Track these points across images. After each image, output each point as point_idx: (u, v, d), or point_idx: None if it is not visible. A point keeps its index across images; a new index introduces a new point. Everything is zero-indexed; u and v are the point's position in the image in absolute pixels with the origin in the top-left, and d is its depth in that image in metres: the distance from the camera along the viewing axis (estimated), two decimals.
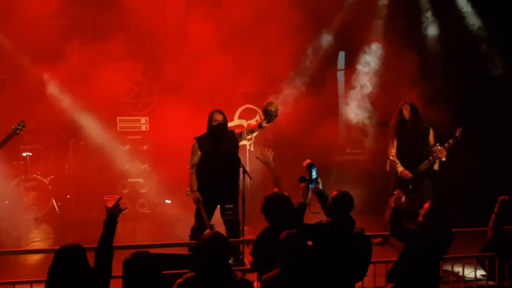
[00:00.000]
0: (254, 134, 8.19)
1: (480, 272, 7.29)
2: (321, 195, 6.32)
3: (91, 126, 11.45)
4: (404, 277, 6.03)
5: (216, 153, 7.81)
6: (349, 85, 12.78)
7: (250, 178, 7.61)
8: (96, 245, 4.93)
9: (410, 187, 8.95)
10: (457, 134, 8.88)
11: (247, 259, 6.47)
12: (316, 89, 11.91)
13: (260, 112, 11.28)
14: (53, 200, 11.14)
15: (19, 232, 10.15)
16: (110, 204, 5.01)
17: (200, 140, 7.94)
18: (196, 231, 7.78)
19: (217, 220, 7.90)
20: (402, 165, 9.16)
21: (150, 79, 11.99)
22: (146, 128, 11.86)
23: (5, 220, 9.96)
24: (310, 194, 6.12)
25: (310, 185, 6.17)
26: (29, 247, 9.52)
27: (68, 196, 11.44)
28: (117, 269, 4.95)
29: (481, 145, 10.81)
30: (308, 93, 11.85)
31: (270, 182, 6.69)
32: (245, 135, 7.97)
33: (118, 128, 11.80)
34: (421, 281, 6.01)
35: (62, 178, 11.40)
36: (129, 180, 11.65)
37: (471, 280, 7.27)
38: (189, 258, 6.28)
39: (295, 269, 5.01)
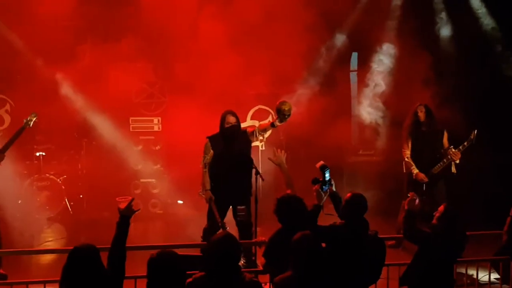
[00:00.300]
0: (267, 134, 8.12)
1: (494, 276, 7.25)
2: (334, 197, 6.28)
3: (104, 126, 11.50)
4: (417, 280, 6.00)
5: (229, 153, 7.80)
6: (362, 86, 12.75)
7: (263, 179, 7.58)
8: (109, 245, 4.93)
9: (424, 189, 8.90)
10: (472, 137, 8.81)
11: (260, 261, 6.47)
12: (328, 89, 11.90)
13: (273, 113, 11.28)
14: (66, 199, 11.18)
15: (32, 231, 10.19)
16: (123, 205, 5.01)
17: (212, 139, 7.92)
18: (208, 232, 7.75)
19: (229, 221, 7.89)
20: (417, 166, 9.10)
21: (162, 79, 12.01)
22: (159, 128, 11.90)
23: (18, 219, 10.00)
24: (325, 196, 6.09)
25: (324, 187, 6.14)
26: (42, 247, 9.55)
27: (81, 196, 11.48)
28: (130, 269, 4.97)
29: (493, 146, 10.76)
30: (321, 93, 11.85)
31: (283, 183, 6.67)
32: (257, 134, 7.91)
33: (130, 128, 11.86)
34: (435, 284, 5.97)
35: (75, 178, 11.44)
36: (142, 180, 11.69)
37: (485, 284, 7.22)
38: (201, 259, 6.28)
39: (308, 271, 4.99)
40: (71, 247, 4.68)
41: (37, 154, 11.24)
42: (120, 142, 11.54)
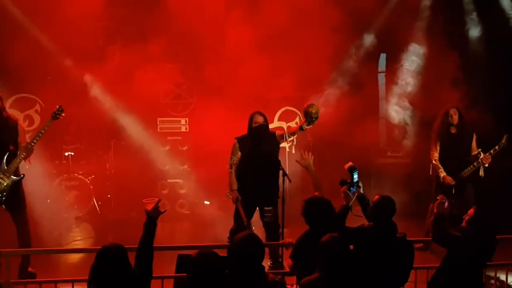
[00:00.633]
0: (295, 136, 8.12)
1: None
2: (362, 200, 6.26)
3: (132, 127, 11.58)
4: (446, 284, 5.93)
5: (257, 154, 7.79)
6: (390, 87, 12.68)
7: (290, 181, 7.56)
8: (137, 245, 4.95)
9: (453, 192, 8.81)
10: (503, 141, 8.68)
11: (286, 262, 6.45)
12: (356, 90, 11.85)
13: (300, 114, 11.28)
14: (94, 199, 11.26)
15: (61, 230, 10.29)
16: (150, 206, 5.03)
17: (240, 140, 7.93)
18: (235, 232, 7.69)
19: (256, 222, 7.88)
20: (444, 169, 9.01)
21: (190, 80, 12.07)
22: (186, 129, 11.95)
23: (47, 218, 10.08)
24: (353, 197, 6.07)
25: (351, 188, 6.12)
26: (71, 246, 9.63)
27: (109, 196, 11.55)
28: (156, 269, 4.99)
29: None
30: (349, 94, 11.81)
31: (310, 185, 6.65)
32: (287, 137, 7.93)
33: (158, 129, 11.93)
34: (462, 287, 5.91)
35: (103, 177, 11.52)
36: (169, 180, 11.74)
37: None
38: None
39: (335, 273, 4.96)
40: (99, 247, 4.71)
41: (66, 154, 11.33)
42: (148, 142, 11.62)
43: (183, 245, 7.30)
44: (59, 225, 10.39)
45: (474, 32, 12.21)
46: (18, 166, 7.61)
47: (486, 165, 8.83)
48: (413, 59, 12.41)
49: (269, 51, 10.76)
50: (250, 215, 7.86)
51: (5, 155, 7.54)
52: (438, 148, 9.12)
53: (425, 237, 8.53)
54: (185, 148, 11.88)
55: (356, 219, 6.15)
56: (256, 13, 10.80)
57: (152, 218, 5.01)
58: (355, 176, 6.13)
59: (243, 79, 10.67)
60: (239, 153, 7.91)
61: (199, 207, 11.57)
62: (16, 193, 7.64)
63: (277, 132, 8.00)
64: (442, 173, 9.00)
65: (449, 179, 8.93)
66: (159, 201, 5.08)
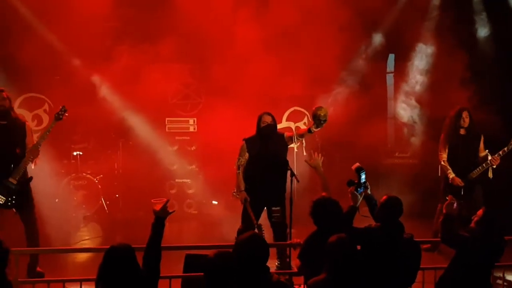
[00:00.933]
0: (303, 138, 8.13)
1: None
2: (369, 200, 6.25)
3: (140, 127, 11.61)
4: (454, 284, 5.93)
5: (265, 155, 7.80)
6: (398, 88, 12.66)
7: (298, 181, 7.56)
8: (145, 245, 4.97)
9: (462, 193, 8.78)
10: None
11: (294, 263, 6.46)
12: (364, 91, 11.84)
13: (308, 114, 11.28)
14: (102, 199, 11.29)
15: (69, 230, 10.32)
16: (158, 207, 5.04)
17: (248, 141, 7.94)
18: (243, 233, 7.74)
19: (264, 223, 7.89)
20: (453, 170, 8.98)
21: (198, 80, 12.10)
22: (194, 129, 11.98)
23: (55, 218, 10.11)
24: (360, 198, 6.08)
25: (359, 189, 6.12)
26: (79, 246, 9.66)
27: (117, 195, 11.59)
28: (164, 269, 5.01)
29: None
30: (357, 95, 11.80)
31: (318, 186, 6.65)
32: (295, 139, 7.94)
33: (166, 129, 11.98)
34: None
35: (111, 177, 11.57)
36: (177, 180, 11.78)
37: None
38: None
39: (342, 273, 4.97)
40: (107, 246, 4.72)
41: (74, 153, 11.37)
42: (156, 142, 11.65)
43: (191, 245, 7.34)
44: (67, 225, 10.43)
45: (483, 31, 12.18)
46: (26, 168, 7.65)
47: (494, 166, 8.80)
48: (421, 58, 12.40)
49: (277, 51, 10.78)
50: (258, 215, 7.87)
51: (13, 158, 7.57)
52: (446, 149, 9.08)
53: (433, 238, 8.52)
54: (193, 148, 11.91)
55: (364, 220, 6.15)
56: (264, 13, 10.82)
57: (161, 218, 5.02)
58: (363, 176, 6.14)
59: (252, 79, 10.68)
60: (247, 154, 7.92)
61: (207, 207, 11.60)
62: (24, 193, 7.67)
63: (286, 134, 8.01)
64: (451, 175, 8.96)
65: (458, 181, 8.90)
66: (167, 201, 5.09)
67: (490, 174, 8.87)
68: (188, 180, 11.79)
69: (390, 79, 13.11)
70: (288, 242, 7.38)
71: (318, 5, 10.87)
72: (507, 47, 11.63)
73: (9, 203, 7.56)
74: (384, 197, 5.91)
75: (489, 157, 8.78)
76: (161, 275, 4.94)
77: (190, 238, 10.34)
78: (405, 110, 12.51)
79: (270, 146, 7.82)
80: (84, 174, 11.30)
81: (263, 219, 7.96)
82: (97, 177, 11.33)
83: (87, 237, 10.30)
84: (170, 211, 5.11)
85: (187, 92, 12.17)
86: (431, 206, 9.35)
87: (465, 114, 8.96)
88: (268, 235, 7.75)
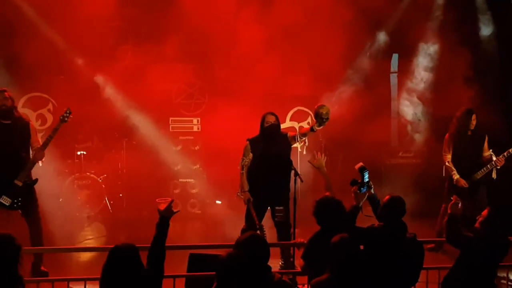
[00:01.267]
0: (307, 137, 8.14)
1: None
2: (373, 200, 6.27)
3: (144, 126, 11.63)
4: (459, 284, 5.94)
5: (268, 155, 7.80)
6: (402, 88, 12.67)
7: (302, 181, 7.57)
8: (149, 245, 4.99)
9: (467, 193, 8.75)
10: None
11: (298, 262, 6.47)
12: (368, 91, 11.84)
13: (312, 114, 11.28)
14: (106, 198, 11.29)
15: (73, 229, 10.34)
16: (162, 206, 5.06)
17: (252, 141, 7.94)
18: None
19: (267, 222, 7.90)
20: (457, 171, 8.97)
21: (202, 80, 12.12)
22: (198, 128, 12.00)
23: (59, 217, 10.14)
24: (364, 198, 6.10)
25: (362, 188, 6.14)
26: (83, 245, 9.68)
27: (121, 195, 11.60)
28: (168, 268, 5.03)
29: None
30: (360, 95, 11.80)
31: (322, 185, 6.68)
32: (298, 138, 7.94)
33: (170, 129, 12.00)
34: None
35: (115, 177, 11.57)
36: (181, 180, 11.79)
37: None
38: None
39: (345, 273, 4.98)
40: (111, 246, 4.75)
41: (78, 153, 11.37)
42: (159, 142, 11.67)
43: (194, 244, 7.36)
44: (71, 224, 10.45)
45: (487, 31, 12.18)
46: (30, 170, 7.68)
47: (499, 167, 8.79)
48: (425, 58, 12.41)
49: (281, 51, 10.80)
50: (261, 215, 7.87)
51: (17, 158, 7.59)
52: (451, 149, 9.06)
53: (436, 238, 8.53)
54: (197, 147, 11.92)
55: (367, 219, 6.17)
56: (267, 12, 10.83)
57: (165, 218, 5.04)
58: (366, 176, 6.15)
59: (255, 79, 10.71)
60: (251, 154, 7.92)
61: (211, 206, 11.61)
62: (28, 192, 7.68)
63: (289, 134, 8.01)
64: (456, 176, 8.94)
65: (463, 182, 8.87)
66: (172, 201, 5.11)
67: (494, 175, 8.86)
68: (192, 180, 11.80)
69: (394, 79, 13.11)
70: (292, 241, 7.40)
71: (322, 5, 10.89)
72: (510, 46, 11.64)
73: (15, 205, 7.58)
74: (387, 197, 5.92)
75: (494, 158, 8.78)
76: (165, 274, 4.96)
77: (193, 237, 10.35)
78: (409, 107, 12.53)
79: (273, 146, 7.82)
80: (88, 173, 11.30)
81: (267, 219, 7.97)
82: (101, 177, 11.33)
83: (91, 237, 10.31)
84: (175, 210, 5.13)
85: (191, 92, 12.20)
86: (435, 206, 9.36)
87: (474, 118, 8.92)
88: (272, 234, 7.79)
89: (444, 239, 6.44)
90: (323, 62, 10.84)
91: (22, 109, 11.14)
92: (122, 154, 11.67)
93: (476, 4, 12.19)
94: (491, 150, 8.91)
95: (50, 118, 11.78)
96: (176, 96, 12.15)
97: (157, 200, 5.11)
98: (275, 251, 7.56)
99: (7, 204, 7.53)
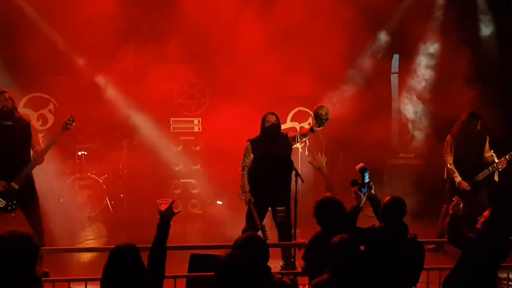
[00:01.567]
0: (307, 137, 8.14)
1: None
2: (373, 200, 6.28)
3: (145, 127, 11.64)
4: (461, 284, 5.95)
5: (269, 155, 7.81)
6: (402, 88, 12.68)
7: (303, 181, 7.57)
8: (150, 245, 4.99)
9: (468, 194, 8.74)
10: None
11: (299, 263, 6.48)
12: (369, 91, 11.85)
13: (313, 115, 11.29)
14: (107, 199, 11.30)
15: (74, 230, 10.35)
16: (163, 207, 5.06)
17: (253, 142, 7.94)
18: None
19: (268, 223, 7.91)
20: (460, 172, 8.93)
21: (203, 80, 12.14)
22: (199, 129, 12.02)
23: (60, 217, 10.14)
24: (364, 198, 6.11)
25: (362, 189, 6.15)
26: (84, 245, 9.68)
27: (122, 195, 11.60)
28: (169, 269, 5.04)
29: None
30: (361, 95, 11.81)
31: (322, 186, 6.69)
32: (299, 139, 7.94)
33: (171, 129, 12.02)
34: None
35: (115, 177, 11.57)
36: (182, 180, 11.81)
37: None
38: None
39: (346, 274, 4.99)
40: (112, 246, 4.74)
41: (79, 153, 11.38)
42: (160, 142, 11.69)
43: (195, 244, 7.37)
44: (72, 224, 10.45)
45: (487, 31, 12.19)
46: (30, 173, 7.67)
47: (500, 170, 8.78)
48: (426, 58, 12.42)
49: (282, 51, 10.81)
50: (262, 216, 7.88)
51: (18, 158, 7.59)
52: (453, 151, 9.03)
53: (437, 238, 8.53)
54: (197, 148, 11.93)
55: (368, 220, 6.18)
56: (268, 13, 10.84)
57: (166, 218, 5.05)
58: (366, 177, 6.16)
59: (256, 79, 10.72)
60: (252, 155, 7.92)
61: (212, 207, 11.62)
62: (29, 192, 7.66)
63: (289, 134, 8.02)
64: (458, 178, 8.92)
65: (465, 185, 8.85)
66: (173, 202, 5.11)
67: (496, 177, 8.84)
68: (193, 180, 11.82)
69: (394, 79, 13.13)
70: (293, 242, 7.41)
71: (323, 5, 10.90)
72: (510, 46, 11.65)
73: (9, 207, 7.53)
74: (388, 197, 5.93)
75: (495, 159, 8.77)
76: (166, 275, 4.97)
77: (194, 238, 10.36)
78: (410, 106, 12.54)
79: (274, 146, 7.83)
80: (88, 174, 11.31)
81: (268, 219, 7.98)
82: (102, 177, 11.34)
83: (91, 237, 10.32)
84: (176, 211, 5.14)
85: (192, 92, 12.22)
86: (435, 207, 9.36)
87: (479, 122, 8.90)
88: (273, 235, 7.80)
89: (444, 239, 6.45)
90: (324, 62, 10.85)
91: (23, 110, 11.17)
92: (123, 154, 11.68)
93: (477, 4, 12.19)
94: (492, 151, 8.91)
95: (51, 119, 11.81)
96: (177, 96, 12.17)
97: (158, 200, 5.12)
98: (276, 252, 7.60)
99: (1, 206, 7.50)
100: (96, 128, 11.40)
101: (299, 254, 6.41)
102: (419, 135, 12.42)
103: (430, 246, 8.38)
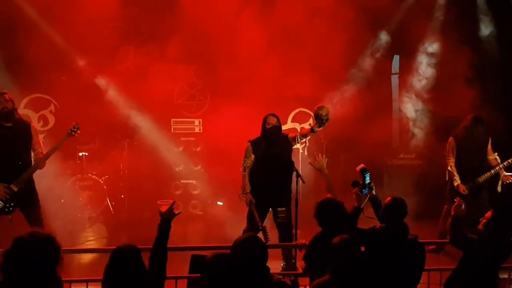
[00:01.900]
0: (308, 138, 8.15)
1: None
2: (374, 201, 6.29)
3: (146, 127, 11.65)
4: (462, 285, 5.96)
5: (270, 156, 7.82)
6: (403, 89, 12.69)
7: (304, 182, 7.58)
8: (150, 246, 5.00)
9: (469, 196, 8.72)
10: None
11: (299, 263, 6.48)
12: (369, 92, 11.87)
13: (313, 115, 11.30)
14: (108, 199, 11.30)
15: (74, 230, 10.34)
16: (164, 208, 5.06)
17: (254, 143, 7.95)
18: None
19: (269, 224, 7.92)
20: (462, 175, 8.90)
21: (204, 81, 12.14)
22: (200, 130, 12.02)
23: (60, 218, 10.15)
24: (365, 199, 6.12)
25: (363, 190, 6.15)
26: (84, 246, 9.68)
27: (122, 196, 11.61)
28: (170, 269, 5.04)
29: None
30: (362, 96, 11.82)
31: (323, 187, 6.69)
32: (299, 139, 7.95)
33: (172, 130, 12.01)
34: None
35: (116, 178, 11.58)
36: (182, 181, 11.81)
37: None
38: None
39: (346, 275, 4.99)
40: (113, 247, 4.74)
41: (80, 154, 11.38)
42: (161, 143, 11.69)
43: (196, 245, 7.37)
44: (72, 225, 10.45)
45: (487, 31, 12.21)
46: (30, 176, 7.66)
47: (506, 183, 8.77)
48: (426, 58, 12.43)
49: (282, 52, 10.81)
50: (263, 216, 7.89)
51: (19, 160, 7.57)
52: (455, 154, 8.99)
53: (438, 239, 8.53)
54: (198, 149, 11.94)
55: (368, 221, 6.19)
56: (269, 13, 10.84)
57: (166, 219, 5.05)
58: (367, 178, 6.16)
59: (257, 80, 10.73)
60: (252, 156, 7.93)
61: (212, 207, 11.62)
62: (29, 194, 7.65)
63: (290, 135, 8.03)
64: (456, 182, 8.90)
65: (463, 188, 8.84)
66: (173, 203, 5.11)
67: (499, 188, 8.82)
68: (194, 181, 11.82)
69: (395, 80, 13.14)
70: (294, 243, 7.41)
71: (323, 5, 10.90)
72: (510, 46, 11.67)
73: (6, 210, 7.52)
74: (389, 198, 5.94)
75: (499, 162, 8.74)
76: (167, 275, 4.97)
77: (195, 238, 10.35)
78: (411, 106, 12.56)
79: (275, 147, 7.84)
80: (89, 174, 11.31)
81: (269, 220, 7.98)
82: (103, 178, 11.35)
83: (92, 238, 10.31)
84: (176, 212, 5.14)
85: (193, 93, 12.23)
86: (436, 207, 9.36)
87: (481, 128, 8.88)
88: (273, 236, 7.80)
89: (445, 240, 6.46)
90: (324, 63, 10.85)
91: (24, 111, 11.18)
92: (124, 155, 11.68)
93: (477, 4, 12.20)
94: (496, 154, 8.89)
95: (52, 119, 11.82)
96: (178, 97, 12.18)
97: (158, 202, 5.12)
98: (276, 252, 7.62)
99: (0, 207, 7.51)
100: (97, 129, 11.40)
101: (300, 255, 6.41)
102: (419, 133, 12.42)
103: (431, 247, 8.38)
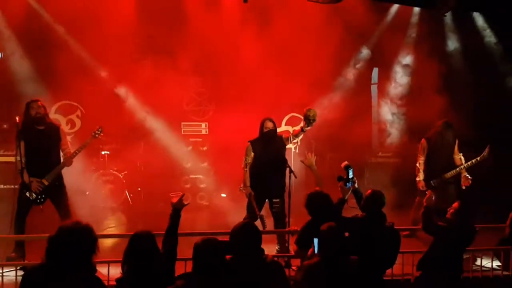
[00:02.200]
0: (299, 138, 8.17)
1: (496, 263, 7.18)
2: (356, 193, 6.31)
3: (159, 130, 11.66)
4: (432, 265, 5.98)
5: (267, 155, 7.83)
6: (381, 97, 12.75)
7: (295, 177, 7.61)
8: (163, 232, 5.02)
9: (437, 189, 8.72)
10: (485, 153, 8.45)
11: (292, 247, 6.50)
12: (352, 99, 11.96)
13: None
14: (127, 192, 11.29)
15: (98, 219, 10.32)
16: (175, 199, 5.10)
17: (253, 143, 7.97)
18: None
19: (265, 213, 7.93)
20: (432, 171, 8.88)
21: (209, 90, 12.16)
22: (206, 132, 12.04)
23: (86, 208, 10.13)
24: (349, 191, 6.14)
25: (347, 183, 6.18)
26: (106, 232, 9.67)
27: (139, 189, 11.56)
28: (181, 252, 5.05)
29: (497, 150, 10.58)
30: (346, 103, 11.91)
31: (312, 181, 6.71)
32: (292, 139, 7.97)
33: (182, 132, 12.04)
34: (446, 269, 5.95)
35: (134, 173, 11.53)
36: (191, 176, 11.79)
37: (488, 270, 7.15)
38: None
39: (332, 257, 5.01)
40: (131, 233, 4.77)
41: (103, 152, 11.38)
42: (173, 143, 11.70)
43: (203, 231, 7.37)
44: (96, 214, 10.42)
45: (454, 46, 12.26)
46: (59, 173, 7.66)
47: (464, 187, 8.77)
48: (401, 70, 12.47)
49: (278, 64, 10.82)
50: (260, 206, 7.90)
51: (50, 158, 7.59)
52: (426, 153, 8.99)
53: (411, 226, 8.53)
54: (204, 148, 11.94)
55: (352, 210, 6.21)
56: (266, 32, 10.84)
57: (177, 209, 5.08)
58: (350, 173, 6.19)
59: (256, 89, 10.73)
60: (252, 154, 7.95)
61: (217, 199, 11.61)
62: (58, 188, 7.68)
63: (284, 136, 8.05)
64: (418, 178, 8.94)
65: (421, 185, 8.86)
66: (183, 195, 5.15)
67: (463, 186, 8.78)
68: (201, 176, 11.80)
69: (374, 89, 13.16)
70: (287, 229, 7.43)
71: (313, 24, 10.94)
72: (474, 59, 11.72)
73: (38, 200, 7.54)
74: (369, 191, 5.97)
75: (463, 162, 8.74)
76: (177, 257, 4.99)
77: (202, 225, 10.32)
78: (387, 111, 12.61)
79: (271, 147, 7.85)
80: (111, 170, 11.30)
81: (265, 210, 7.99)
82: (122, 173, 11.34)
83: (113, 225, 10.30)
84: (185, 203, 5.16)
85: (200, 100, 12.23)
86: (410, 199, 9.37)
87: (451, 131, 8.87)
88: (269, 223, 7.82)
89: (417, 227, 6.48)
90: (314, 73, 10.91)
91: (54, 115, 11.17)
92: (140, 153, 11.64)
93: (444, 23, 12.23)
94: (461, 154, 8.89)
95: (78, 123, 11.79)
96: (187, 104, 12.18)
97: (170, 194, 5.15)
98: (272, 238, 7.64)
99: (31, 199, 7.50)
100: (117, 131, 11.36)
101: (292, 239, 6.43)
102: (395, 133, 12.47)
103: (405, 233, 8.35)
